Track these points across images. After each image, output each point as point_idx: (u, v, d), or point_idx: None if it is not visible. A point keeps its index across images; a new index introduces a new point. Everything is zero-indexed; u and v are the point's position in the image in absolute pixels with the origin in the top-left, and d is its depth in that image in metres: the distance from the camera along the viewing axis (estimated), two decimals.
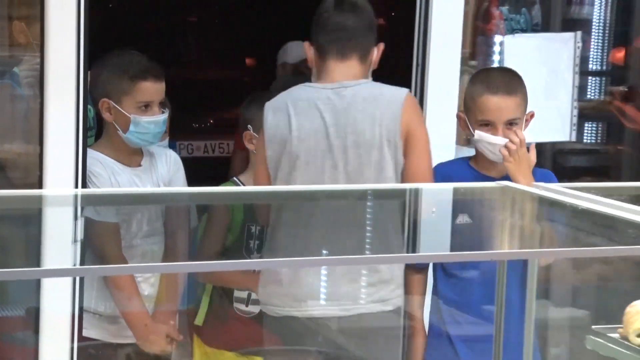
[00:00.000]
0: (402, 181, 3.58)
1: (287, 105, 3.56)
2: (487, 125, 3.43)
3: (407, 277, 3.61)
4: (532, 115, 3.51)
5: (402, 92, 3.60)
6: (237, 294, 4.03)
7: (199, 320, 4.06)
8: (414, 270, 3.64)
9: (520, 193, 2.72)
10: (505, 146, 3.39)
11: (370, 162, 3.52)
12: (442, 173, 3.59)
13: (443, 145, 3.91)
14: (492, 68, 3.93)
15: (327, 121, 3.53)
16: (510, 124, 3.44)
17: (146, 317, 3.70)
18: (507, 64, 4.25)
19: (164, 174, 3.82)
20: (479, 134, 3.43)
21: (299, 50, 4.58)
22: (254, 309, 4.00)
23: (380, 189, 3.67)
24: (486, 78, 3.53)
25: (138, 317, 3.69)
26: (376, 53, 3.67)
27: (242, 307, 4.03)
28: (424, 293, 3.72)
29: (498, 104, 3.43)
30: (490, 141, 3.40)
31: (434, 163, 3.61)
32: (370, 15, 3.67)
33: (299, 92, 3.62)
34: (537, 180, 3.16)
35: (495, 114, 3.43)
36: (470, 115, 3.48)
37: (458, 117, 3.60)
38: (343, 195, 3.41)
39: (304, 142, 3.53)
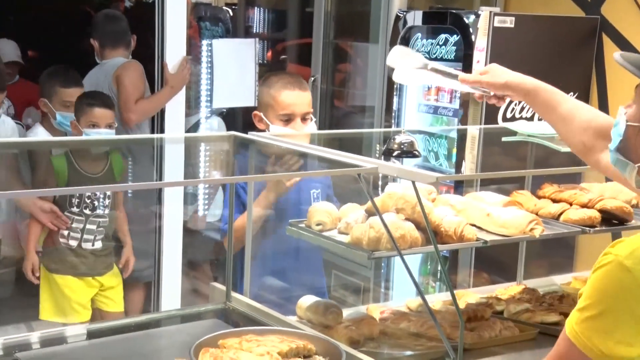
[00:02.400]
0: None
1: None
2: (287, 119, 2.76)
3: None
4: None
5: (123, 60, 4.04)
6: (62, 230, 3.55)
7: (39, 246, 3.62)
8: None
9: (243, 139, 2.43)
10: None
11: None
12: None
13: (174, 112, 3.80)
14: (281, 72, 3.15)
15: (99, 80, 3.98)
16: (304, 118, 2.78)
17: None
18: (216, 58, 4.23)
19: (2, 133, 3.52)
20: (273, 127, 2.76)
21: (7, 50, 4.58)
22: (73, 242, 3.57)
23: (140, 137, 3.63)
24: (281, 80, 2.82)
25: None
26: (133, 42, 4.16)
27: (64, 241, 3.58)
28: None
29: (296, 98, 2.74)
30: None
31: None
32: (126, 21, 4.20)
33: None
34: None
35: (293, 107, 2.74)
36: (269, 112, 2.77)
37: (254, 115, 2.83)
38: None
39: None
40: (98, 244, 3.62)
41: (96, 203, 3.55)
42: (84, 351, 2.16)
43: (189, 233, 4.18)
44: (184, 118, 3.89)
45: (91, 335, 2.22)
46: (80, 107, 3.53)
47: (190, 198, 4.32)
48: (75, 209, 3.55)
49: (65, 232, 3.56)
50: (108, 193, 3.58)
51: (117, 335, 2.23)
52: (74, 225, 3.57)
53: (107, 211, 3.63)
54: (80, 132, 3.50)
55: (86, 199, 3.54)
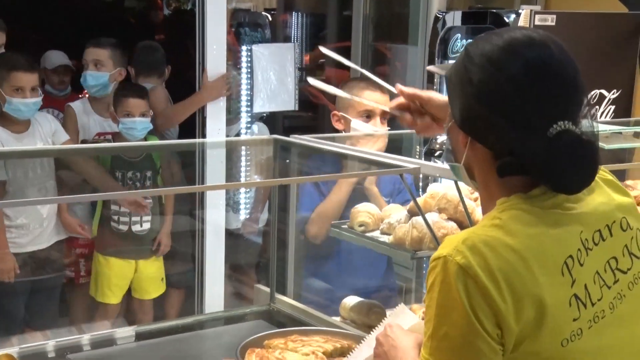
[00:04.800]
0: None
1: None
2: (368, 116, 2.80)
3: None
4: None
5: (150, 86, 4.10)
6: (113, 215, 3.71)
7: (93, 233, 3.78)
8: None
9: (284, 142, 2.48)
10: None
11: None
12: None
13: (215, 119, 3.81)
14: (362, 77, 3.18)
15: None
16: (383, 118, 2.82)
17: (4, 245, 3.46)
18: (255, 63, 4.27)
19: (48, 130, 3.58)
20: (355, 122, 2.78)
21: (55, 58, 4.45)
22: (123, 227, 3.72)
23: (183, 142, 3.67)
24: (362, 82, 2.82)
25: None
26: (167, 71, 4.29)
27: (116, 225, 3.73)
28: None
29: (378, 98, 2.71)
30: (363, 129, 2.76)
31: None
32: (162, 53, 4.36)
33: None
34: None
35: (377, 103, 2.65)
36: (350, 110, 2.81)
37: (333, 115, 2.87)
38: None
39: None
40: (146, 225, 3.77)
41: (138, 184, 3.66)
42: (133, 352, 2.22)
43: (233, 236, 4.23)
44: (225, 125, 3.93)
45: (139, 337, 2.27)
46: (117, 98, 3.68)
47: (232, 202, 4.37)
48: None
49: (116, 217, 3.72)
50: (148, 174, 3.70)
51: (164, 337, 2.28)
52: (121, 209, 3.71)
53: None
54: (117, 121, 3.64)
55: (128, 181, 3.67)
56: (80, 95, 4.11)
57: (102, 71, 3.82)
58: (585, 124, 1.33)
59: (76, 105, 3.86)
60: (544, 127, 1.29)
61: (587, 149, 1.32)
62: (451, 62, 3.89)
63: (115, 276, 3.76)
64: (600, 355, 1.30)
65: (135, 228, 3.75)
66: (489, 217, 1.35)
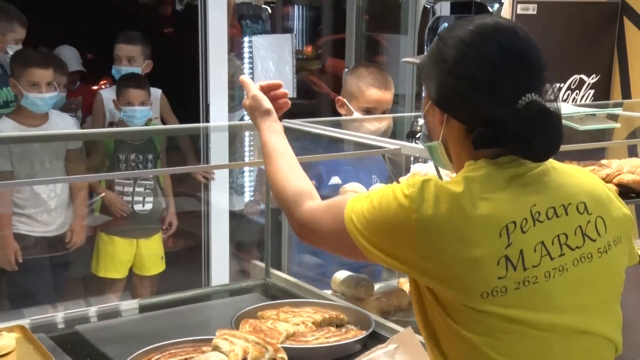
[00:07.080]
0: None
1: None
2: (368, 112, 2.84)
3: None
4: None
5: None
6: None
7: (95, 213, 3.85)
8: None
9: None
10: None
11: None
12: None
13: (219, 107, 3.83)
14: (372, 66, 3.05)
15: None
16: (383, 112, 2.88)
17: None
18: (255, 53, 4.28)
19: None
20: (357, 115, 2.85)
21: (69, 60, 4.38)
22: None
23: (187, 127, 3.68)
24: (371, 75, 2.88)
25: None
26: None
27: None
28: None
29: (381, 97, 2.84)
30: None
31: None
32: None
33: None
34: None
35: (377, 103, 2.84)
36: (353, 101, 2.86)
37: (337, 100, 2.91)
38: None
39: None
40: (148, 206, 3.85)
41: (141, 166, 3.74)
42: (137, 323, 2.25)
43: (236, 217, 4.27)
44: (228, 112, 3.95)
45: (143, 309, 2.31)
46: (119, 89, 3.77)
47: (235, 184, 4.40)
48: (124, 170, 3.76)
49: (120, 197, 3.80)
50: (150, 157, 3.77)
51: (165, 309, 2.32)
52: (125, 189, 3.80)
53: (150, 175, 3.89)
54: (119, 109, 3.74)
55: (132, 163, 3.75)
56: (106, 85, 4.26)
57: (134, 66, 3.95)
58: (548, 99, 1.38)
59: (105, 92, 4.04)
60: (514, 99, 1.34)
61: (554, 118, 1.37)
62: None
63: (119, 253, 3.84)
64: (521, 315, 1.30)
65: (138, 207, 3.83)
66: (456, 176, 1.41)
